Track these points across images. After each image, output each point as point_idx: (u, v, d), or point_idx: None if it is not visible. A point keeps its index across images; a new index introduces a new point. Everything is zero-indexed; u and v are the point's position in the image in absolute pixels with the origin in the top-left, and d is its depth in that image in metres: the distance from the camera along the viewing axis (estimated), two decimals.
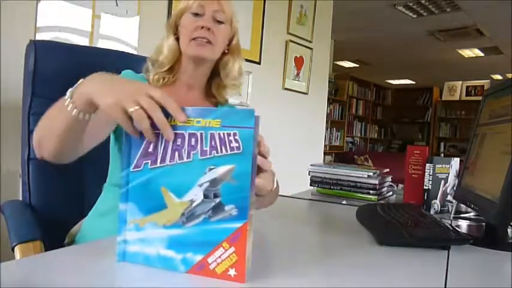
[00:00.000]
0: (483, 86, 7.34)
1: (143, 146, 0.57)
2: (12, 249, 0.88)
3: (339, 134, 6.77)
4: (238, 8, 1.09)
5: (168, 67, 1.03)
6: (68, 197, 1.14)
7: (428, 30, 5.06)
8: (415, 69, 7.37)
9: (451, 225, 0.87)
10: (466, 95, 7.63)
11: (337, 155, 6.41)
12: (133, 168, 0.57)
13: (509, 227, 0.89)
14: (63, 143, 0.73)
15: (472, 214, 1.09)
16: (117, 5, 1.91)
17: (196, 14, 1.00)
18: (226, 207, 0.53)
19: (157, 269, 0.55)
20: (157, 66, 1.04)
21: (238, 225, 0.52)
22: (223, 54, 1.07)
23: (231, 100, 1.19)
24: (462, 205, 1.12)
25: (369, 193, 1.28)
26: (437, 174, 1.17)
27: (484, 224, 0.95)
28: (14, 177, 1.45)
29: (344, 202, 1.26)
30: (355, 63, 7.27)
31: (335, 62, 6.54)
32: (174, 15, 1.06)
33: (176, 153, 0.55)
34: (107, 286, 0.50)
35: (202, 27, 0.98)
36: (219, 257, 0.53)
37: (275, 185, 0.90)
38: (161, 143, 0.56)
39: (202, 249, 0.53)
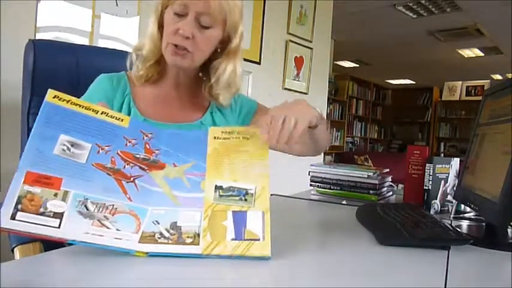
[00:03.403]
0: (483, 86, 7.34)
1: None
2: (12, 251, 0.88)
3: (339, 134, 6.77)
4: None
5: (153, 61, 0.91)
6: None
7: (428, 30, 5.05)
8: (415, 69, 7.36)
9: (451, 225, 0.87)
10: (466, 95, 7.63)
11: (337, 155, 6.41)
12: None
13: (509, 227, 0.89)
14: None
15: (472, 214, 1.09)
16: (117, 5, 1.91)
17: (178, 14, 0.84)
18: None
19: (160, 269, 0.55)
20: (141, 60, 0.91)
21: None
22: (216, 52, 0.92)
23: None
24: (462, 205, 1.12)
25: (368, 193, 1.28)
26: (437, 174, 1.17)
27: (484, 224, 0.95)
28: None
29: (344, 202, 1.26)
30: (355, 63, 7.27)
31: (335, 62, 6.54)
32: (159, 2, 0.89)
33: None
34: (107, 286, 0.50)
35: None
36: None
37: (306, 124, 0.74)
38: None
39: None
